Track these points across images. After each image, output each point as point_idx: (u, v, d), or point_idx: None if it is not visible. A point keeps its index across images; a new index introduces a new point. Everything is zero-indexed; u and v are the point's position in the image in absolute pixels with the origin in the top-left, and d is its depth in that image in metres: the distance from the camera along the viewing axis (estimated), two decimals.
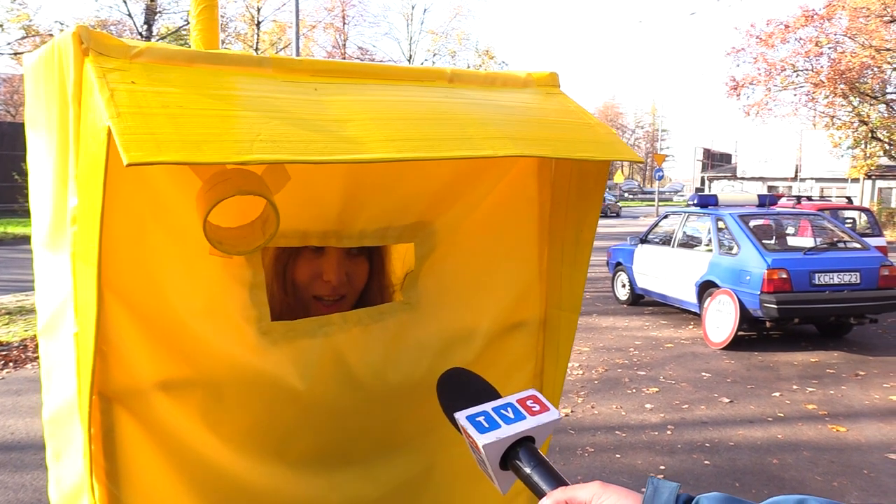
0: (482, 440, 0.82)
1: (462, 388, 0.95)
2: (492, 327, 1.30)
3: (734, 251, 8.97)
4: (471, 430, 0.84)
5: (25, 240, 22.08)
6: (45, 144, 0.94)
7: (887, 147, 31.38)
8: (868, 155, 32.11)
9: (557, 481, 0.80)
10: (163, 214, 0.98)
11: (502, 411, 0.86)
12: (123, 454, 0.98)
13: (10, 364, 7.57)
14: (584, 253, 1.28)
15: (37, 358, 7.81)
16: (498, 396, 0.91)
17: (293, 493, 1.15)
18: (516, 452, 0.83)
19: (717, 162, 57.24)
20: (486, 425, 0.84)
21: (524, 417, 0.85)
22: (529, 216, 1.32)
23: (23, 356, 7.86)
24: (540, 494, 0.79)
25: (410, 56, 41.50)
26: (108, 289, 0.93)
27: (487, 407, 0.87)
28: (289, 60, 0.98)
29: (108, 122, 0.72)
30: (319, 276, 1.24)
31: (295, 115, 0.87)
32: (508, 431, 0.83)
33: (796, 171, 40.03)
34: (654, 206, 44.57)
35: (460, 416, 0.86)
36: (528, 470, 0.81)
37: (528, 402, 0.88)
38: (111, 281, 0.93)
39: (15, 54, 24.10)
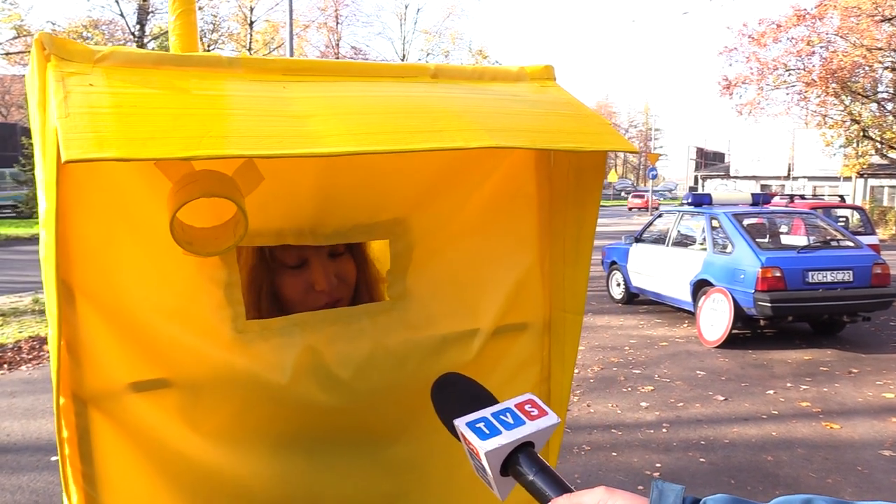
0: (484, 447, 0.80)
1: (458, 394, 0.93)
2: (489, 328, 1.26)
3: (728, 250, 9.01)
4: (471, 438, 0.82)
5: (18, 241, 21.97)
6: (38, 152, 0.93)
7: (879, 146, 31.54)
8: (860, 153, 32.26)
9: (561, 487, 0.78)
10: (134, 217, 0.97)
11: (501, 417, 0.84)
12: (100, 457, 0.98)
13: (5, 366, 7.54)
14: (585, 251, 1.24)
15: (31, 360, 7.79)
16: (495, 401, 0.89)
17: (280, 492, 1.14)
18: (517, 458, 0.81)
19: (710, 161, 57.43)
20: (487, 432, 0.82)
21: (524, 422, 0.83)
22: (528, 213, 1.28)
23: (17, 358, 7.84)
24: (543, 500, 0.78)
25: (404, 56, 41.48)
26: (78, 292, 0.93)
27: (486, 413, 0.85)
28: (260, 61, 0.96)
29: (56, 123, 0.73)
30: (311, 287, 1.21)
31: (254, 112, 0.86)
32: (509, 437, 0.81)
33: (789, 170, 40.19)
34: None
35: (460, 423, 0.84)
36: (530, 476, 0.80)
37: (527, 407, 0.86)
38: (81, 284, 0.94)
39: (6, 54, 23.99)
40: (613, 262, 11.88)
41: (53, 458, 4.94)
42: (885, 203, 34.75)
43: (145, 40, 26.03)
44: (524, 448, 0.82)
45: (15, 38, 22.91)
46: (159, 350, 1.01)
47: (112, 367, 0.98)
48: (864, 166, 32.68)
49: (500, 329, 1.27)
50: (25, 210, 27.22)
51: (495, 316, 1.27)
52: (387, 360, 1.17)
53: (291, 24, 15.27)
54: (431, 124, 0.92)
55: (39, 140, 0.85)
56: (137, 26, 25.56)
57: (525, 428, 0.83)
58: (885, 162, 33.38)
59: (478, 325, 1.25)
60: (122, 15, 26.16)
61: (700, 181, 49.76)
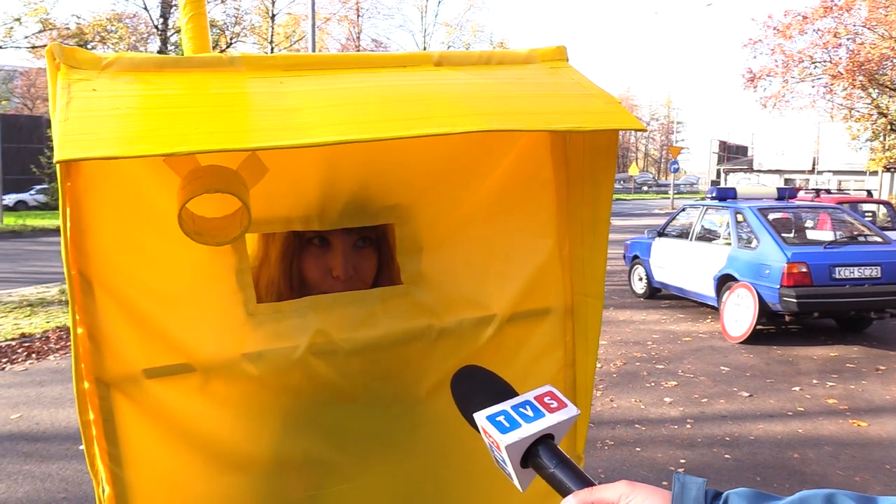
0: (505, 441, 0.81)
1: (477, 387, 0.94)
2: (505, 314, 1.26)
3: (753, 245, 8.92)
4: (492, 431, 0.83)
5: (44, 232, 22.32)
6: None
7: None
8: (887, 147, 31.77)
9: (582, 480, 0.79)
10: (147, 209, 1.01)
11: (521, 409, 0.85)
12: (125, 437, 1.02)
13: (33, 355, 7.67)
14: (602, 234, 1.24)
15: (59, 349, 7.91)
16: (515, 394, 0.90)
17: (301, 471, 1.17)
18: (536, 450, 0.82)
19: (732, 154, 56.82)
20: (507, 425, 0.83)
21: (543, 415, 0.84)
22: (545, 197, 1.28)
23: (45, 347, 7.96)
24: (564, 492, 0.79)
25: (425, 48, 41.39)
26: (96, 282, 0.98)
27: (506, 405, 0.86)
28: (261, 58, 0.99)
29: (57, 126, 0.78)
30: (328, 271, 1.23)
31: (246, 107, 0.89)
32: (529, 430, 0.82)
33: (813, 164, 39.65)
34: (668, 198, 44.30)
35: (480, 417, 0.85)
36: (550, 469, 0.81)
37: (546, 399, 0.86)
38: (98, 275, 0.98)
39: (32, 48, 24.28)
40: (636, 257, 11.81)
41: (82, 447, 5.00)
42: None
43: (168, 33, 26.24)
44: (544, 440, 0.83)
45: (41, 31, 23.18)
46: (176, 336, 1.05)
47: (131, 354, 1.01)
48: (891, 160, 32.16)
49: (518, 315, 1.28)
50: (51, 202, 27.60)
51: (512, 301, 1.27)
52: (400, 343, 1.19)
53: (314, 17, 15.30)
54: (425, 111, 0.93)
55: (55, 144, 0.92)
56: (161, 19, 25.74)
57: (545, 420, 0.83)
58: None
59: (493, 311, 1.26)
60: (145, 8, 26.38)
61: (723, 175, 49.27)
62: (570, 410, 0.85)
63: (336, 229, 1.19)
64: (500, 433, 0.82)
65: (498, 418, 0.84)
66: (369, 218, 1.19)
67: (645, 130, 1.02)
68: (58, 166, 0.84)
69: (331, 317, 1.14)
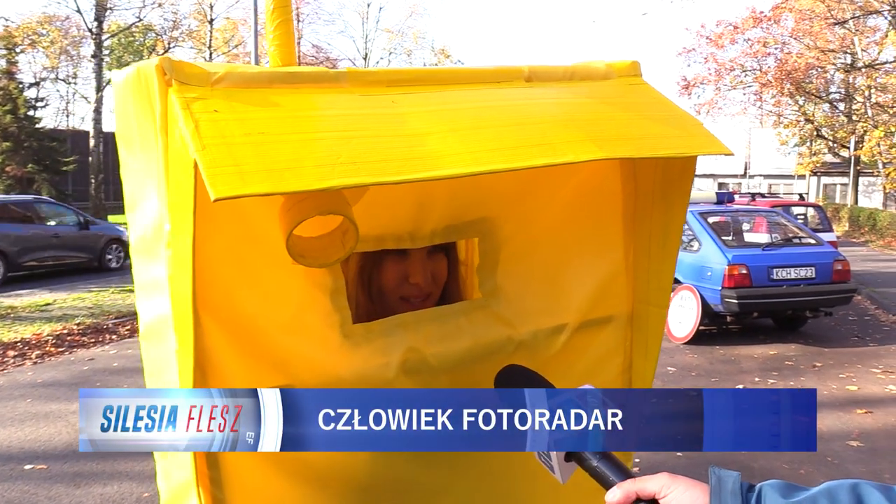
0: None
1: (521, 385, 0.97)
2: (576, 322, 1.31)
3: (695, 248, 9.18)
4: None
5: None
6: (141, 163, 0.96)
7: (831, 144, 32.45)
8: (813, 152, 33.20)
9: (624, 473, 0.84)
10: (250, 230, 1.01)
11: None
12: (225, 461, 1.02)
13: None
14: (671, 247, 1.29)
15: (5, 363, 7.59)
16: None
17: (390, 488, 1.19)
18: None
19: None
20: None
21: None
22: (612, 209, 1.32)
23: None
24: (607, 485, 0.84)
25: (366, 55, 41.28)
26: (202, 308, 0.96)
27: None
28: (364, 73, 0.99)
29: (195, 155, 0.76)
30: (406, 278, 1.27)
31: (373, 133, 0.90)
32: None
33: (745, 168, 41.10)
34: None
35: None
36: (594, 462, 0.86)
37: (588, 398, 0.90)
38: (205, 300, 0.96)
39: None
40: None
41: (27, 467, 4.83)
42: (838, 200, 35.78)
43: (103, 37, 25.49)
44: None
45: None
46: (276, 361, 1.06)
47: (234, 379, 1.02)
48: (818, 164, 33.64)
49: (587, 322, 1.32)
50: None
51: (582, 309, 1.31)
52: (484, 356, 1.22)
53: (256, 23, 15.08)
54: (541, 137, 0.97)
55: (162, 164, 0.88)
56: (95, 23, 24.97)
57: None
58: (837, 160, 34.40)
59: (566, 320, 1.30)
60: (78, 11, 25.57)
61: None
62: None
63: (405, 248, 1.21)
64: None
65: None
66: (457, 234, 1.22)
67: (732, 154, 1.07)
68: (179, 192, 0.82)
69: (419, 333, 1.17)
